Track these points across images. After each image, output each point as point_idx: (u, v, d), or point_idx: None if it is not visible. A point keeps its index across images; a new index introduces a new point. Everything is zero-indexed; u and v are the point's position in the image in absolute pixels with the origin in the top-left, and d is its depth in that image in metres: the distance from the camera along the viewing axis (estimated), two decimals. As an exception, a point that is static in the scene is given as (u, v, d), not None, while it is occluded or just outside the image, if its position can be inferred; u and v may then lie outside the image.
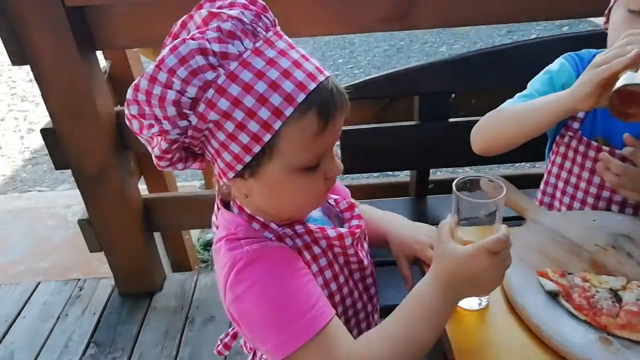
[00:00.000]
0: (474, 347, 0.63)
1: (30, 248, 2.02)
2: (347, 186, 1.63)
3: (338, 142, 0.65)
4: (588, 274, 0.67)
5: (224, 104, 0.56)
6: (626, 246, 0.73)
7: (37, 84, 1.35)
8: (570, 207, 0.90)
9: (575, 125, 0.90)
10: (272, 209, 0.67)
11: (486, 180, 0.63)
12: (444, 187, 1.63)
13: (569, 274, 0.67)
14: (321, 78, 0.58)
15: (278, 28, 0.61)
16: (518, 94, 0.93)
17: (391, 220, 0.85)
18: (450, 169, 2.02)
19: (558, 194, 0.94)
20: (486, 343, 0.63)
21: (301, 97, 0.56)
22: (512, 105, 0.90)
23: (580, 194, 0.89)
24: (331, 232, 0.69)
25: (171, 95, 0.55)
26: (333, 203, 0.79)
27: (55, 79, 1.36)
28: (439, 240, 0.64)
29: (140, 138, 0.63)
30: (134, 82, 0.57)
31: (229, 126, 0.57)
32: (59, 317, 1.69)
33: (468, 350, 0.62)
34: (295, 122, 0.56)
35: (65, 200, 2.32)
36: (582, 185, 0.88)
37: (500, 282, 0.62)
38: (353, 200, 0.79)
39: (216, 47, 0.55)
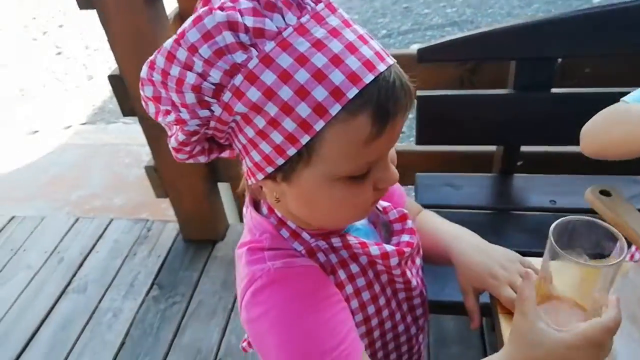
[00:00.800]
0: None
1: (107, 184, 2.12)
2: (422, 153, 1.52)
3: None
4: None
5: (254, 94, 0.44)
6: None
7: (104, 29, 1.31)
8: None
9: None
10: (308, 218, 0.56)
11: (601, 227, 0.47)
12: (536, 164, 1.42)
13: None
14: (382, 67, 0.44)
15: None
16: None
17: (458, 237, 0.70)
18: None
19: None
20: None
21: (353, 92, 0.43)
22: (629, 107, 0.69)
23: None
24: (374, 250, 0.57)
25: (191, 78, 0.44)
26: (381, 209, 0.66)
27: (120, 24, 1.31)
28: (520, 313, 0.50)
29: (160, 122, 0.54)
30: (149, 58, 0.46)
31: (260, 121, 0.45)
32: (127, 256, 1.78)
33: None
34: (343, 123, 0.44)
35: (143, 139, 2.39)
36: None
37: None
38: (406, 210, 0.65)
39: (249, 21, 0.43)
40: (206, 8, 0.43)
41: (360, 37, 0.45)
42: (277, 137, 0.45)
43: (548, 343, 0.47)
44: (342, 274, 0.58)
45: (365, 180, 0.50)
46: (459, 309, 1.08)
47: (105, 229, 1.89)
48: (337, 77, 0.43)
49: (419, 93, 1.26)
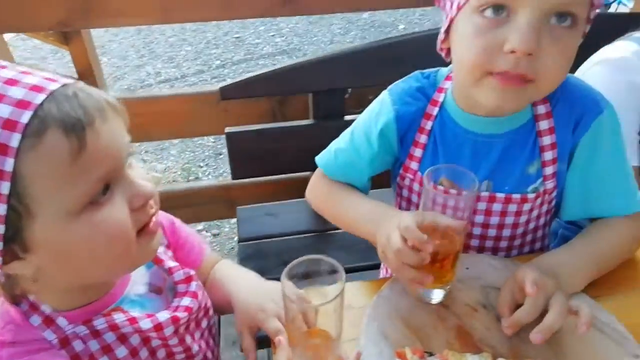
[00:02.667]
0: None
1: None
2: (240, 186, 1.54)
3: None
4: (450, 354, 0.58)
5: None
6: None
7: None
8: None
9: (414, 165, 0.76)
10: (77, 279, 0.50)
11: (328, 264, 0.52)
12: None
13: (429, 354, 0.58)
14: (53, 86, 0.43)
15: None
16: (338, 144, 0.83)
17: (237, 282, 0.70)
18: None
19: None
20: None
21: (26, 116, 0.41)
22: (334, 193, 0.82)
23: None
24: (145, 324, 0.54)
25: None
26: (167, 269, 0.64)
27: None
28: None
29: None
30: None
31: None
32: None
33: None
34: (34, 151, 0.41)
35: None
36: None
37: None
38: (192, 272, 0.64)
39: None
40: None
41: (22, 72, 0.44)
42: None
43: None
44: None
45: (112, 201, 0.47)
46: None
47: None
48: (4, 110, 0.40)
49: (228, 130, 1.28)
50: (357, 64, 1.24)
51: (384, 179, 1.13)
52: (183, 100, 1.44)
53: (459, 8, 0.61)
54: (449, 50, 0.68)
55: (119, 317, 0.53)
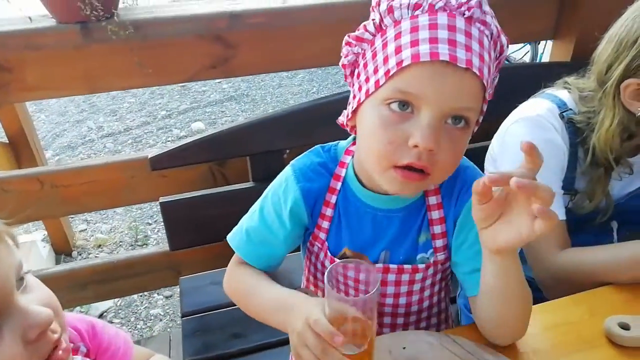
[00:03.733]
0: None
1: None
2: (183, 252, 1.47)
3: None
4: None
5: None
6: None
7: None
8: None
9: (322, 235, 0.77)
10: None
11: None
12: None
13: None
14: None
15: None
16: (248, 223, 0.80)
17: None
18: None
19: None
20: None
21: None
22: (244, 282, 0.79)
23: None
24: None
25: None
26: None
27: None
28: None
29: None
30: None
31: None
32: None
33: None
34: None
35: None
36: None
37: None
38: None
39: None
40: None
41: None
42: None
43: None
44: None
45: (2, 340, 0.42)
46: None
47: None
48: None
49: (162, 200, 1.23)
50: (294, 124, 1.24)
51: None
52: (116, 168, 1.39)
53: (367, 95, 0.63)
54: (353, 127, 0.71)
55: None
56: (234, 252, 0.82)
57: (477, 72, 0.57)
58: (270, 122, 1.23)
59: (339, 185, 0.75)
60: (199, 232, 1.28)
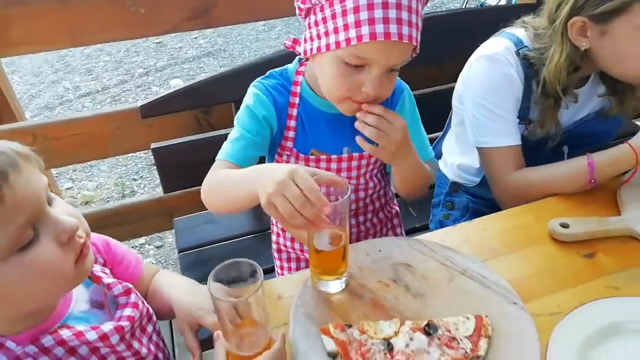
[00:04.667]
0: None
1: None
2: (175, 197, 1.56)
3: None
4: (366, 324, 0.68)
5: None
6: (406, 278, 0.76)
7: None
8: None
9: (289, 144, 0.93)
10: (19, 312, 0.56)
11: (247, 264, 0.60)
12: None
13: (349, 326, 0.68)
14: None
15: None
16: (231, 138, 0.90)
17: (174, 287, 0.77)
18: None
19: None
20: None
21: None
22: (218, 174, 0.85)
23: None
24: (91, 335, 0.60)
25: None
26: (106, 285, 0.69)
27: None
28: None
29: None
30: None
31: None
32: None
33: None
34: None
35: None
36: None
37: None
38: (130, 285, 0.70)
39: None
40: None
41: None
42: None
43: None
44: None
45: (40, 242, 0.52)
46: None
47: None
48: None
49: (153, 145, 1.31)
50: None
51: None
52: (105, 119, 1.44)
53: (328, 49, 0.78)
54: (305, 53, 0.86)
55: (65, 333, 0.58)
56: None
57: (415, 43, 0.76)
58: (254, 69, 1.30)
59: (297, 99, 0.91)
60: (190, 175, 1.36)
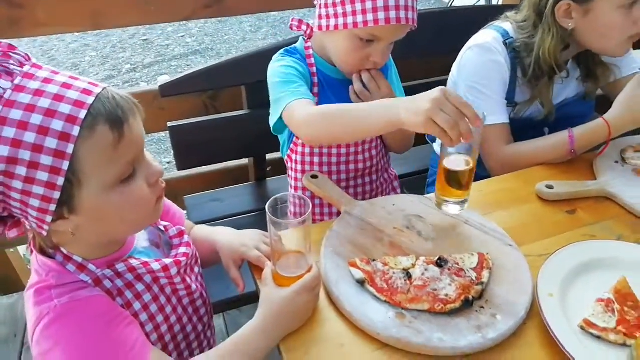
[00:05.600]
0: (301, 343, 0.70)
1: None
2: (187, 177, 1.65)
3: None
4: (387, 258, 0.79)
5: (4, 150, 0.52)
6: (418, 225, 0.88)
7: None
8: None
9: None
10: (107, 236, 0.66)
11: (292, 195, 0.70)
12: (280, 167, 1.71)
13: (373, 260, 0.79)
14: (97, 90, 0.58)
15: (34, 60, 0.58)
16: (287, 90, 0.97)
17: (217, 232, 0.89)
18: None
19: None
20: (311, 337, 0.71)
21: (82, 113, 0.55)
22: (329, 108, 0.89)
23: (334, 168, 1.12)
24: (155, 265, 0.70)
25: None
26: (162, 228, 0.79)
27: None
28: (264, 285, 0.71)
29: None
30: None
31: (21, 170, 0.53)
32: None
33: (295, 348, 0.69)
34: (88, 139, 0.55)
35: None
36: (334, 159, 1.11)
37: (313, 308, 0.73)
38: (183, 227, 0.80)
39: None
40: None
41: (71, 77, 0.58)
42: (43, 175, 0.54)
43: (284, 295, 0.69)
44: (128, 294, 0.68)
45: (136, 179, 0.62)
46: (245, 300, 1.26)
47: None
48: (64, 108, 0.54)
49: (170, 124, 1.40)
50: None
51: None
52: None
53: (345, 27, 0.93)
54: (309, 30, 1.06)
55: (134, 262, 0.68)
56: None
57: (415, 24, 0.95)
58: (272, 52, 1.41)
59: (314, 69, 1.07)
60: (202, 153, 1.46)
